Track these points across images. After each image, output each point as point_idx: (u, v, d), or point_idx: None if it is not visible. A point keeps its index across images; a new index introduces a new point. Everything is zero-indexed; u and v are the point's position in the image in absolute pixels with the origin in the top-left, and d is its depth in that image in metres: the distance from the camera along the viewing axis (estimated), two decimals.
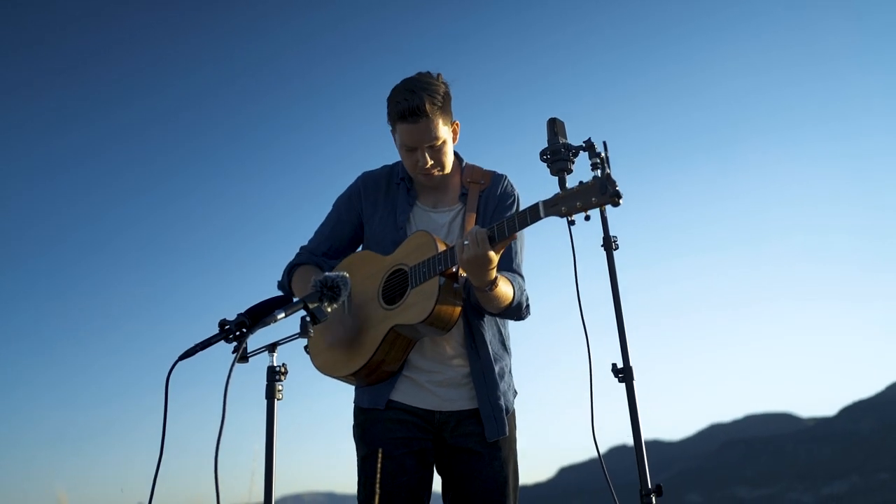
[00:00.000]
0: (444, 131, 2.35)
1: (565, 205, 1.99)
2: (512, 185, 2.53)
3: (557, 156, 2.17)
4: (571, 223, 2.01)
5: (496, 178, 2.52)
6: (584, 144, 2.18)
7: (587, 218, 1.97)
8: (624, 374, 2.05)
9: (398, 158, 2.53)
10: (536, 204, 2.06)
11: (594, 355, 2.12)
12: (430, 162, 2.34)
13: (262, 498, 1.79)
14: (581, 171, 2.20)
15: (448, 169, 2.43)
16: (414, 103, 2.27)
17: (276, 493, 1.78)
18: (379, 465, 2.09)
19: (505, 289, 2.23)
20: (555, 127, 2.23)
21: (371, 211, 2.52)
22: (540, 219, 2.05)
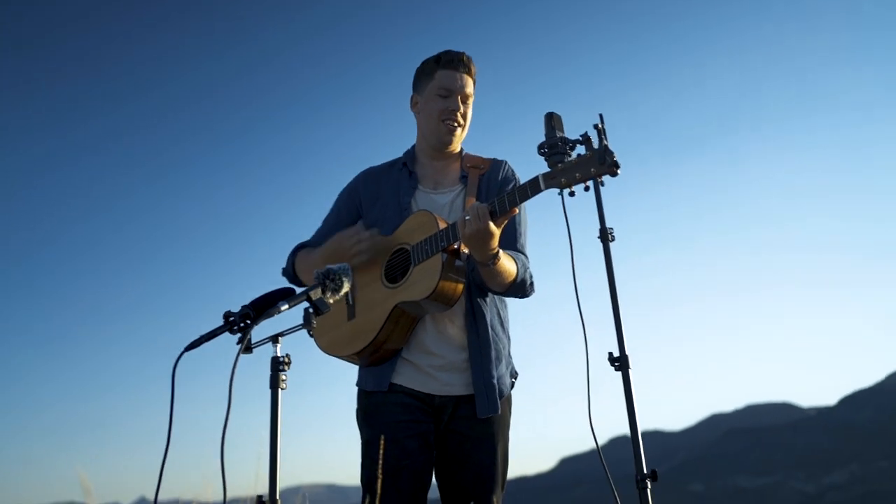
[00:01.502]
0: (472, 96, 2.55)
1: (565, 176, 2.03)
2: (513, 170, 2.61)
3: (555, 149, 2.22)
4: (571, 194, 2.05)
5: (496, 164, 2.60)
6: (580, 138, 2.21)
7: (587, 188, 2.03)
8: (620, 362, 2.08)
9: (398, 155, 2.63)
10: (536, 177, 2.11)
11: (593, 345, 2.16)
12: (461, 110, 2.51)
13: (267, 487, 1.82)
14: None
15: (466, 131, 2.57)
16: (460, 55, 2.54)
17: (280, 483, 1.81)
18: (381, 451, 2.13)
19: (508, 265, 2.28)
20: (552, 121, 2.27)
21: (371, 200, 2.59)
22: (540, 191, 2.10)
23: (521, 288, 2.39)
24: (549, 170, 2.09)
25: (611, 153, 1.95)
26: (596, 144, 1.99)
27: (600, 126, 1.98)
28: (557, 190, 2.08)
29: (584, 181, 2.01)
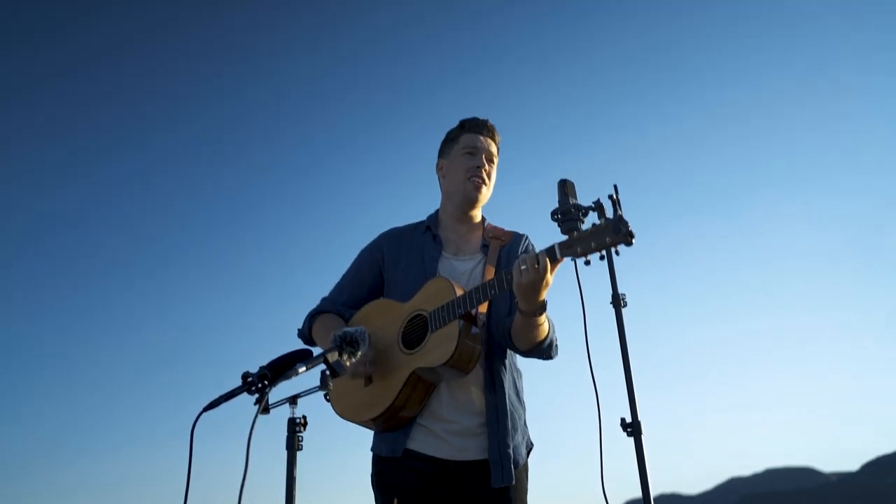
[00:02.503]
0: (496, 158, 2.66)
1: (581, 245, 2.07)
2: (533, 246, 2.65)
3: (568, 216, 2.27)
4: (587, 263, 2.09)
5: (517, 237, 2.65)
6: (593, 205, 2.26)
7: (602, 257, 2.06)
8: (632, 428, 2.09)
9: (420, 218, 2.71)
10: (552, 246, 2.14)
11: (606, 411, 2.17)
12: (486, 168, 2.59)
13: None
14: None
15: (490, 190, 2.65)
16: (484, 121, 2.68)
17: None
18: None
19: (545, 321, 2.31)
20: (565, 188, 2.33)
21: (394, 260, 2.63)
22: (557, 260, 2.13)
23: (548, 349, 2.40)
24: (565, 238, 2.13)
25: (625, 223, 1.99)
26: (610, 213, 2.03)
27: (615, 197, 2.03)
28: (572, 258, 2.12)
29: (600, 250, 2.04)
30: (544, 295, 2.22)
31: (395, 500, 2.09)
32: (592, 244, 2.05)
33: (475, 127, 2.64)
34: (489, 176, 2.62)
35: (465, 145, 2.61)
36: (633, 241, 1.99)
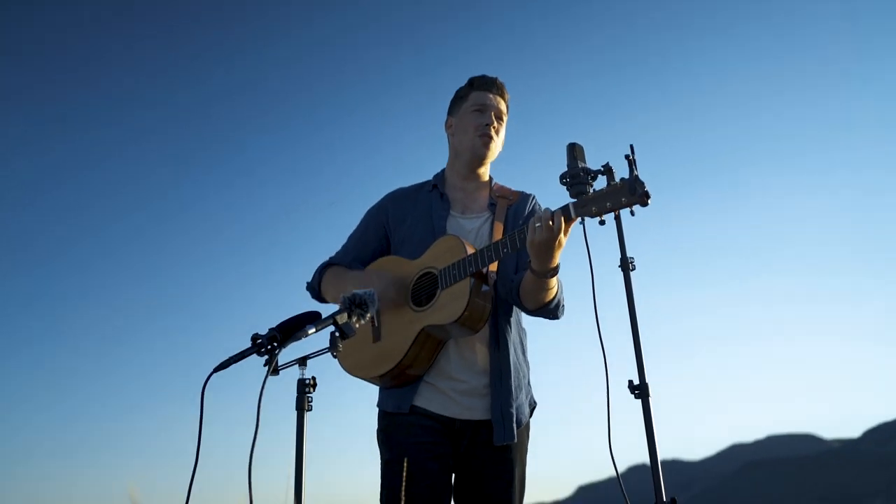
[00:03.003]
0: (506, 116, 2.64)
1: (595, 205, 2.06)
2: (540, 205, 2.65)
3: (577, 179, 2.25)
4: (602, 223, 2.09)
5: (524, 197, 2.65)
6: (602, 168, 2.24)
7: (602, 223, 2.06)
8: (640, 390, 2.10)
9: (427, 178, 2.70)
10: (567, 205, 2.13)
11: (613, 373, 2.16)
12: (496, 125, 2.58)
13: None
14: None
15: (499, 148, 2.64)
16: (493, 79, 2.65)
17: None
18: (406, 471, 2.15)
19: (555, 281, 2.30)
20: (574, 151, 2.31)
21: (399, 219, 2.63)
22: (571, 219, 2.12)
23: (555, 309, 2.41)
24: (578, 199, 2.11)
25: (641, 183, 1.97)
26: (624, 175, 2.02)
27: (631, 157, 2.00)
28: (580, 218, 2.12)
29: (615, 210, 2.03)
30: (558, 258, 2.21)
31: (406, 461, 2.10)
32: (608, 204, 2.04)
33: (484, 84, 2.63)
34: (497, 133, 2.60)
35: (474, 103, 2.59)
36: (650, 201, 1.98)
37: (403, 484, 1.97)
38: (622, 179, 2.02)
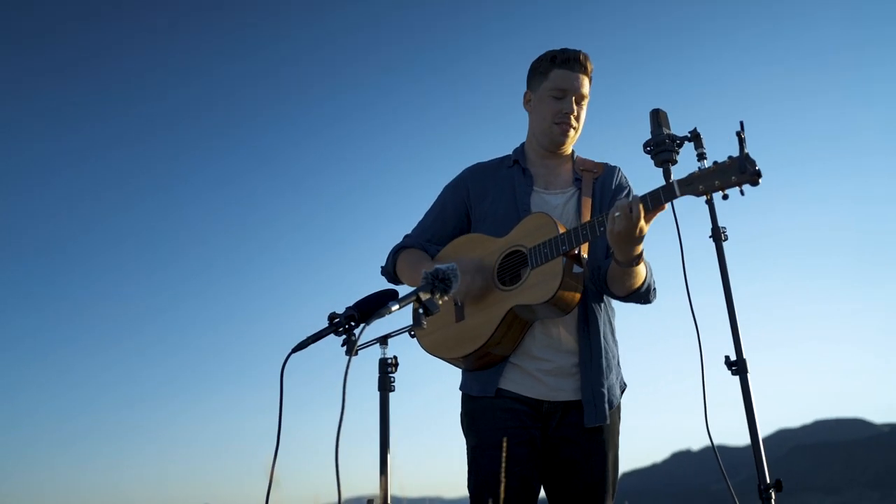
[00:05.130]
0: (588, 96, 2.47)
1: (702, 183, 1.96)
2: (626, 178, 2.54)
3: (662, 146, 2.16)
4: (709, 202, 2.00)
5: (610, 169, 2.53)
6: (689, 135, 2.15)
7: (725, 197, 1.94)
8: (738, 366, 2.00)
9: (506, 152, 2.61)
10: (671, 183, 2.02)
11: (706, 350, 2.09)
12: (575, 112, 2.43)
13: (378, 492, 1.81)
14: (686, 162, 2.17)
15: (579, 133, 2.50)
16: (577, 54, 2.44)
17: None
18: (504, 455, 2.09)
19: (642, 268, 2.21)
20: (658, 118, 2.22)
21: (480, 195, 2.53)
22: (675, 198, 2.02)
23: (645, 294, 2.31)
24: (684, 176, 2.01)
25: (752, 161, 1.86)
26: (737, 153, 1.89)
27: (741, 134, 1.89)
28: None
29: (723, 189, 1.92)
30: (641, 248, 2.12)
31: (504, 440, 2.02)
32: (716, 182, 1.93)
33: (566, 62, 2.42)
34: (578, 119, 2.46)
35: (554, 85, 2.42)
36: (761, 181, 1.86)
37: (503, 473, 1.88)
38: (731, 158, 1.91)
